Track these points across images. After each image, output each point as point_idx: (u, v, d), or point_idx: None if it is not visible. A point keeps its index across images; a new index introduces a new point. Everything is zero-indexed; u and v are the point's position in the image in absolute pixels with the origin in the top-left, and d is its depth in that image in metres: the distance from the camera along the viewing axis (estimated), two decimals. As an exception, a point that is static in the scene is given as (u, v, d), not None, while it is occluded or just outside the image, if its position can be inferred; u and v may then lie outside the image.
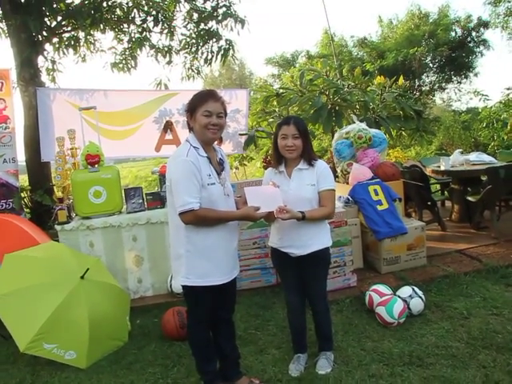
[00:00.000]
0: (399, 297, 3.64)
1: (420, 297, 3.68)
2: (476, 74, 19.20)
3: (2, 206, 5.36)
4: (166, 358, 3.32)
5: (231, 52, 7.67)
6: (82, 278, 3.42)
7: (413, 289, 3.73)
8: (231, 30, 7.46)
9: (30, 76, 6.24)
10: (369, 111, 6.73)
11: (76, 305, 3.30)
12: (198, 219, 2.40)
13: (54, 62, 7.63)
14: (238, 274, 2.74)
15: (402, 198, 5.03)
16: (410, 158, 10.98)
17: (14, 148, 5.43)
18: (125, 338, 3.61)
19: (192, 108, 2.48)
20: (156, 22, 7.35)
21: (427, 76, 19.57)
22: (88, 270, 3.43)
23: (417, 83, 18.92)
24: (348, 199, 4.69)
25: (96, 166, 4.30)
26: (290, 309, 3.06)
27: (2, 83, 5.37)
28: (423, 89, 19.25)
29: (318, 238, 2.82)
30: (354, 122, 5.39)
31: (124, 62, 8.08)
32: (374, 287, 3.82)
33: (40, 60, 6.72)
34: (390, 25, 20.28)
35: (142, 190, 4.57)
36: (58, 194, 4.39)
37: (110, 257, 4.31)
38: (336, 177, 5.32)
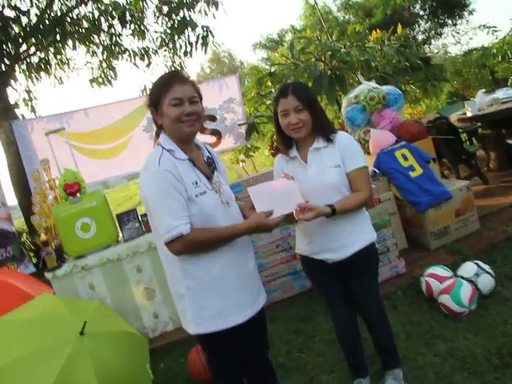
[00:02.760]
0: (463, 277, 2.99)
1: (488, 272, 3.03)
2: (471, 12, 18.31)
3: (2, 255, 4.99)
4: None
5: (211, 38, 7.17)
6: (82, 333, 2.83)
7: (476, 264, 3.07)
8: (205, 14, 7.00)
9: (1, 110, 5.80)
10: (372, 70, 6.04)
11: (80, 367, 2.70)
12: (191, 246, 1.76)
13: (28, 92, 7.31)
14: (266, 286, 2.09)
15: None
16: (423, 112, 10.21)
17: (0, 192, 5.04)
18: (148, 389, 3.01)
19: (155, 99, 1.84)
20: (123, 23, 6.80)
21: (419, 25, 18.77)
22: (86, 323, 2.84)
23: (411, 34, 18.05)
24: (374, 172, 4.01)
25: (77, 195, 3.68)
26: (338, 326, 2.43)
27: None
28: (418, 39, 18.43)
29: (358, 234, 2.16)
30: (361, 83, 4.69)
31: (103, 74, 7.74)
32: (430, 271, 3.16)
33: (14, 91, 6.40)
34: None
35: (137, 211, 3.94)
36: (42, 236, 3.75)
37: (115, 296, 3.69)
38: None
